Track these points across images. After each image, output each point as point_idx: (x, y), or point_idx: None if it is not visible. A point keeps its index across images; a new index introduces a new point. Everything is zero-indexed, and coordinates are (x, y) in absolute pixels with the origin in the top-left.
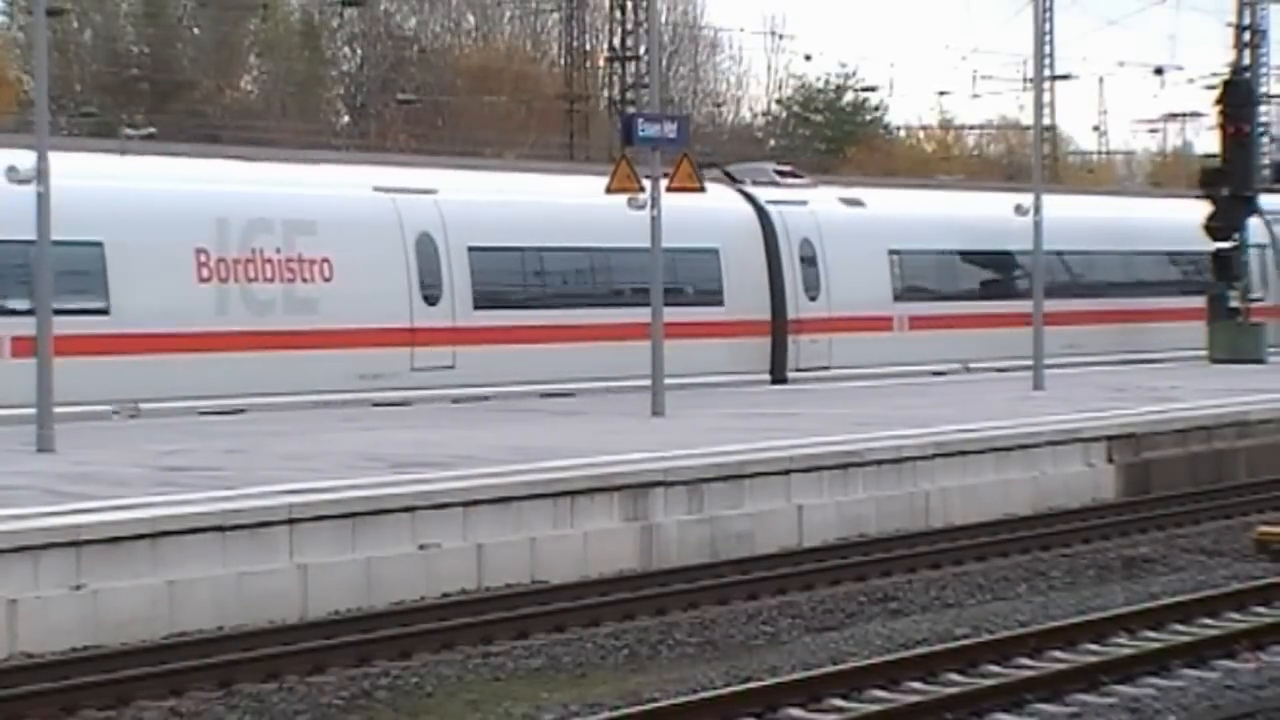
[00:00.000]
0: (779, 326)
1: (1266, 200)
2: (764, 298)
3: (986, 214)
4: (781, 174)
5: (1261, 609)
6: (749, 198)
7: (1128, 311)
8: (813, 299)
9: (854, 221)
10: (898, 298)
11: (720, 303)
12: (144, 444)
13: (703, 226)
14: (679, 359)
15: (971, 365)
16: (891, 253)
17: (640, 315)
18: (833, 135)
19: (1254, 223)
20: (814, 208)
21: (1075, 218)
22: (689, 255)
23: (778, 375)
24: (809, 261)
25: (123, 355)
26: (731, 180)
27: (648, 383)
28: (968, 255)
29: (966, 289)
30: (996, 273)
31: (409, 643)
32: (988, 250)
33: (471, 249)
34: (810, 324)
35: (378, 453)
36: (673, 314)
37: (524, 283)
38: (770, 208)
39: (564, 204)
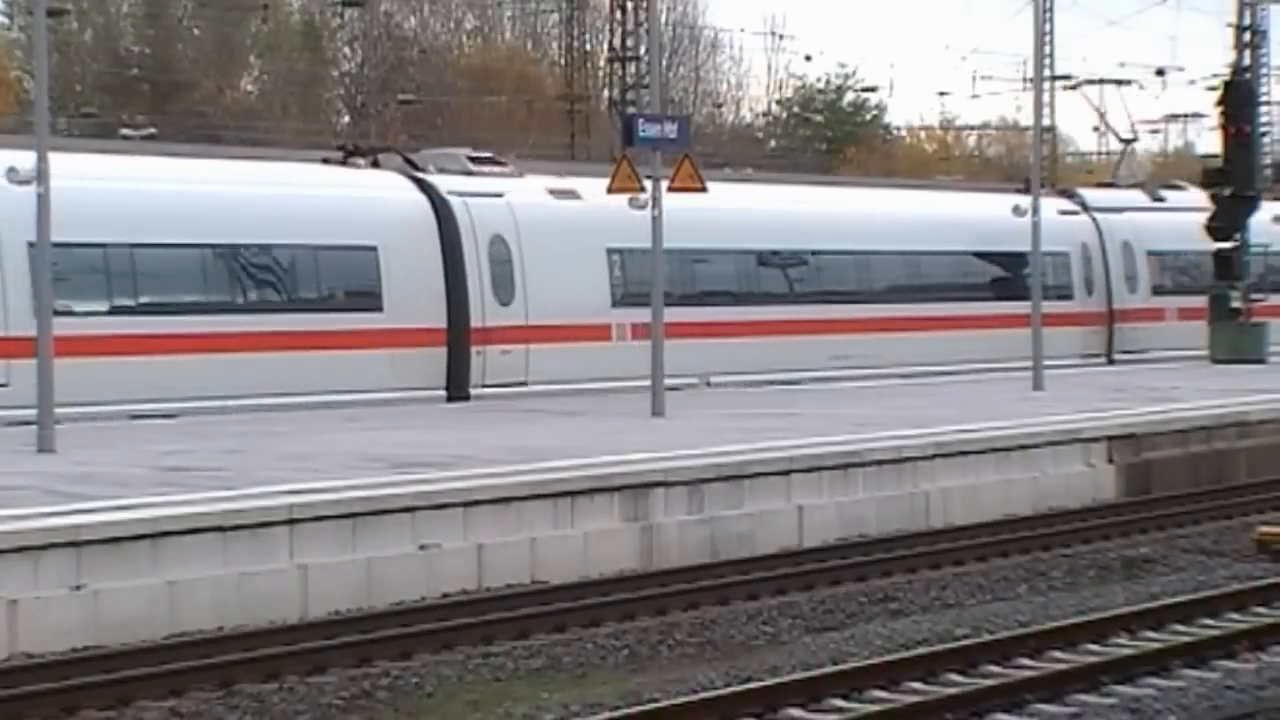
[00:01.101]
0: (458, 336)
1: (1095, 194)
2: (439, 303)
3: (736, 205)
4: (478, 160)
5: (1262, 609)
6: (425, 187)
7: (914, 319)
8: (505, 304)
9: (563, 216)
10: (618, 303)
11: (379, 308)
12: (144, 444)
13: (358, 221)
14: (317, 373)
15: (712, 379)
16: (611, 252)
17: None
18: (833, 136)
19: (1076, 223)
20: (511, 199)
21: (846, 213)
22: (336, 253)
23: (456, 391)
24: (501, 261)
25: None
26: (412, 168)
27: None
28: (710, 255)
29: (709, 292)
30: (739, 274)
31: (409, 643)
32: (735, 249)
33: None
34: (501, 333)
35: (378, 453)
36: (310, 322)
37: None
38: (452, 199)
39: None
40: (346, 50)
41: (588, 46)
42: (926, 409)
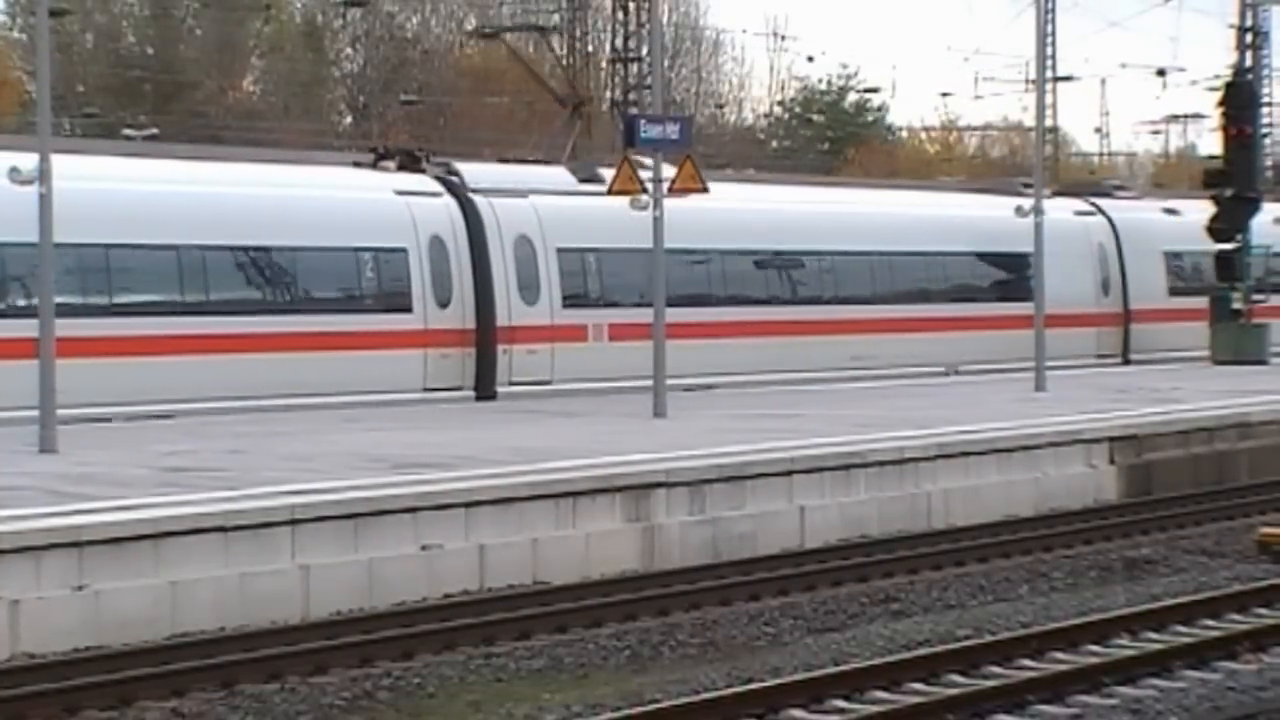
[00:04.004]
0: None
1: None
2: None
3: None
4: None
5: (1263, 610)
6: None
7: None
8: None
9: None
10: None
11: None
12: (146, 445)
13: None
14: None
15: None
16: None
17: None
18: (835, 137)
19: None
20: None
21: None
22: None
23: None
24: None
25: None
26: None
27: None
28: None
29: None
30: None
31: (411, 643)
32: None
33: None
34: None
35: (379, 453)
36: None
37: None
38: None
39: None
40: (348, 51)
41: (589, 47)
42: (928, 410)
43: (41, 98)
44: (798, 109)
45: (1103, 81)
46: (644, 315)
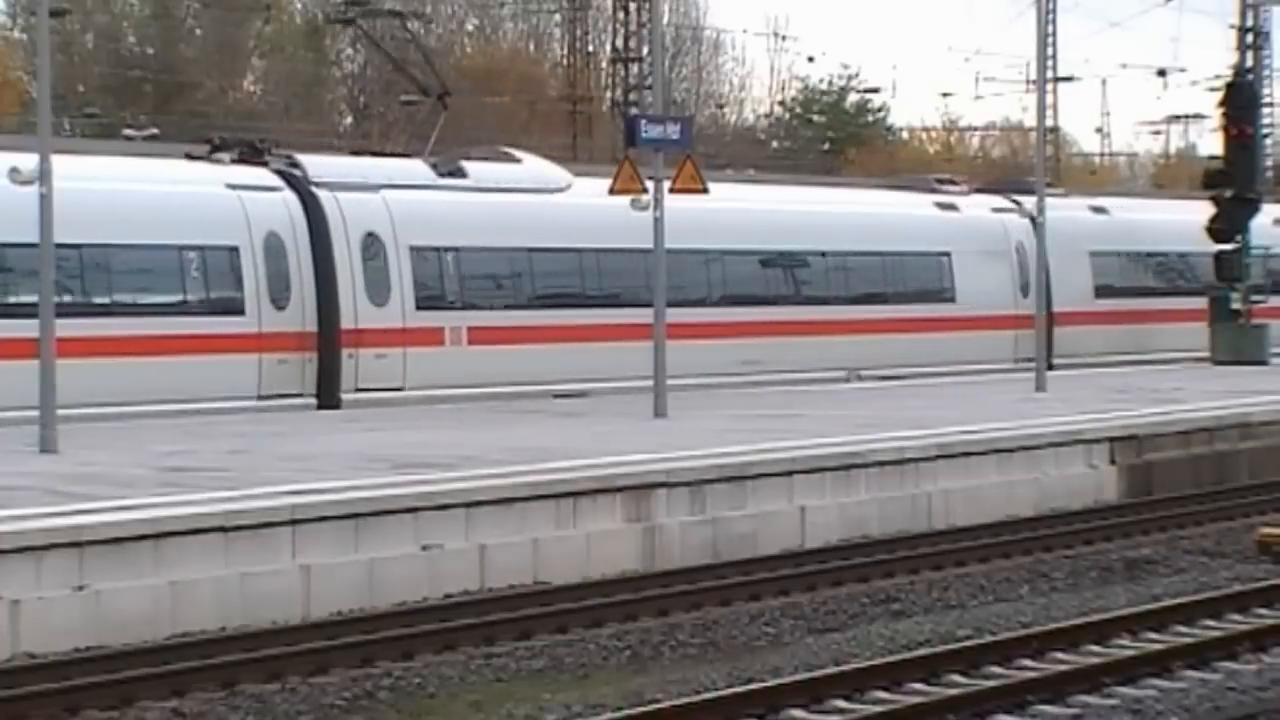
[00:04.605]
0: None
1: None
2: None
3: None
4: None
5: (1263, 611)
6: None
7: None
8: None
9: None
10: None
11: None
12: (147, 445)
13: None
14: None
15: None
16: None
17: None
18: (835, 137)
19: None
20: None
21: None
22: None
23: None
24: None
25: None
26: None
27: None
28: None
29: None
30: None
31: (411, 643)
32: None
33: None
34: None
35: (380, 453)
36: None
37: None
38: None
39: None
40: (349, 51)
41: (590, 47)
42: (928, 410)
43: (42, 98)
44: (798, 109)
45: (1103, 82)
46: (508, 318)
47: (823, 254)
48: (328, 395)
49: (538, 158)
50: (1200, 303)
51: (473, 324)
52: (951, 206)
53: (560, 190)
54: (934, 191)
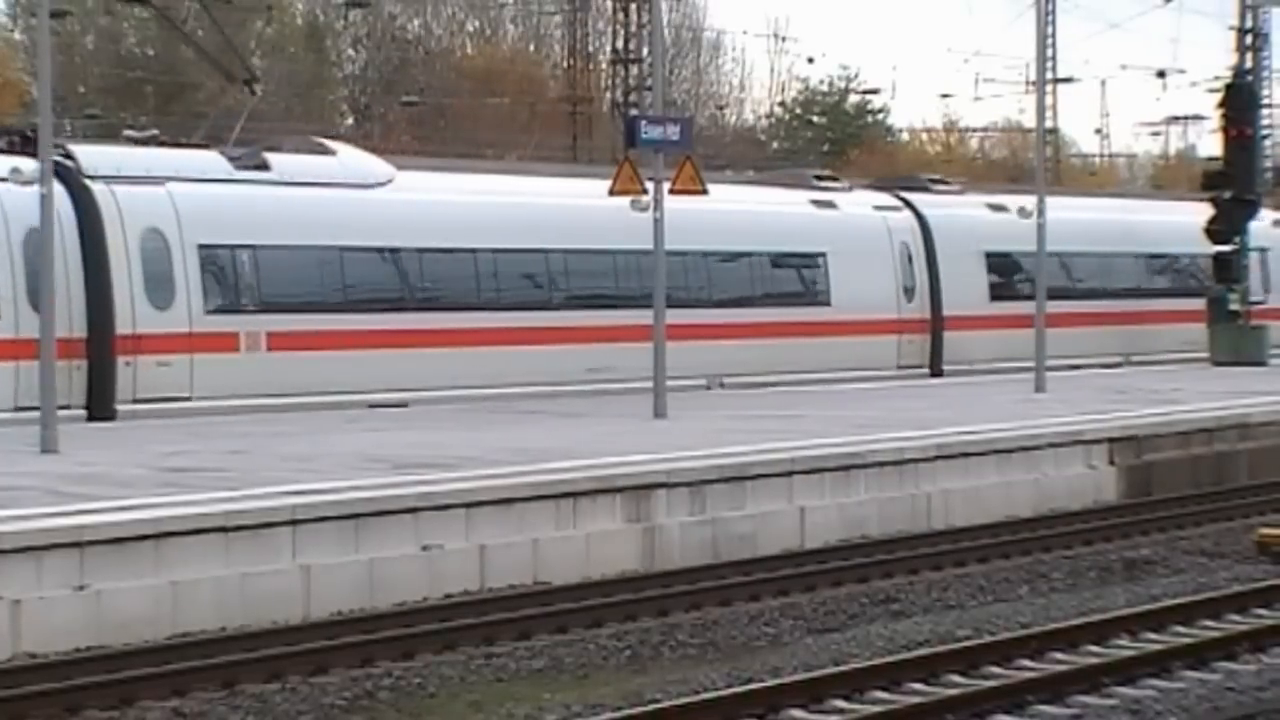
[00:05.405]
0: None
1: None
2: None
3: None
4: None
5: (1262, 611)
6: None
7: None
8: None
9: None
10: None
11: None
12: (147, 445)
13: None
14: None
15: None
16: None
17: None
18: (835, 138)
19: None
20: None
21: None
22: None
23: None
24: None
25: None
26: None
27: None
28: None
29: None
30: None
31: (411, 643)
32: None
33: None
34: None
35: (380, 454)
36: None
37: None
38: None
39: None
40: (350, 52)
41: (590, 49)
42: (928, 410)
43: (43, 99)
44: (798, 110)
45: (1103, 83)
46: (316, 323)
47: (682, 254)
48: (100, 406)
49: (356, 150)
50: (1119, 305)
51: (273, 329)
52: (829, 204)
53: (379, 185)
54: (811, 188)
